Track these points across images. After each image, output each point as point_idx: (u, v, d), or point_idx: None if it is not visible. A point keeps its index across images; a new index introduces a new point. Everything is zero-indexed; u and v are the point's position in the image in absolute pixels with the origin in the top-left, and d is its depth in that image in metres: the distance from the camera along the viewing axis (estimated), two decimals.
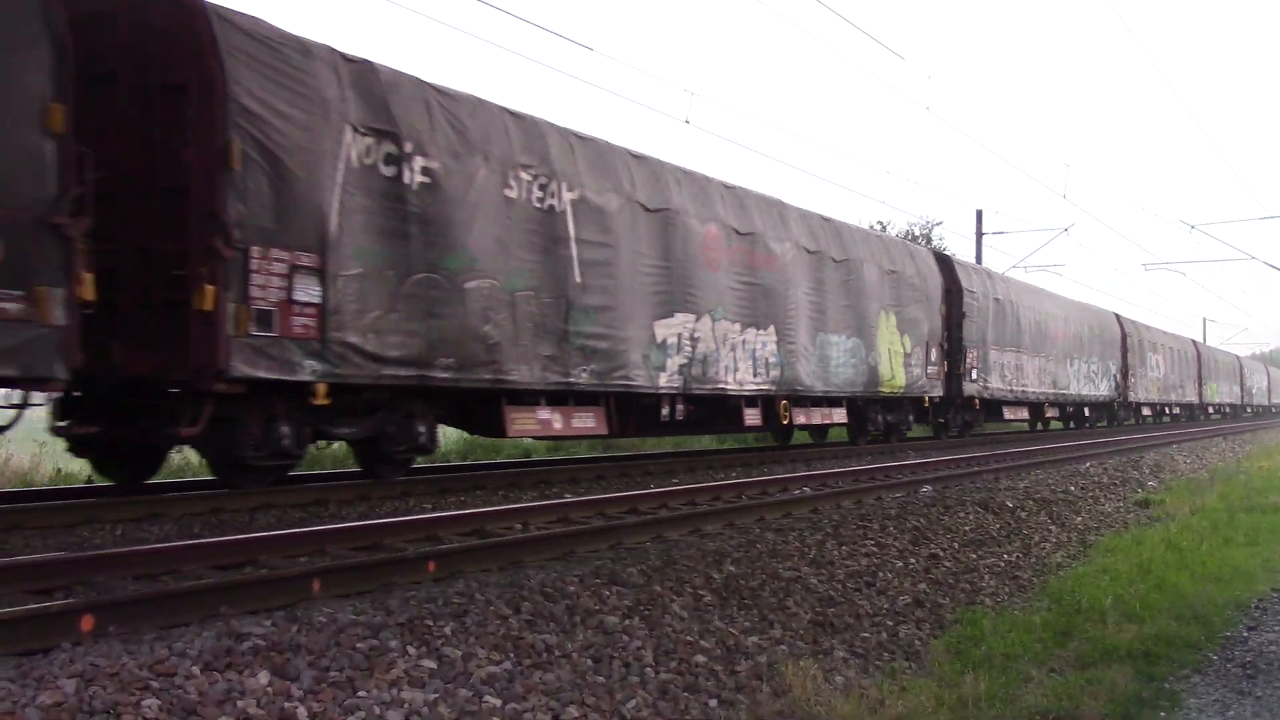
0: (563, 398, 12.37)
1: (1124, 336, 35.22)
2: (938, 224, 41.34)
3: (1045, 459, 18.39)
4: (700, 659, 5.50)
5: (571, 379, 12.11)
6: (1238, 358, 59.90)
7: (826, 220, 18.18)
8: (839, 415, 18.47)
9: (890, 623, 6.89)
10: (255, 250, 8.90)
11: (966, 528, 9.92)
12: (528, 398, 11.91)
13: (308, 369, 9.33)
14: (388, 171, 10.08)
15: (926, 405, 21.68)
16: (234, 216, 8.71)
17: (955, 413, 23.41)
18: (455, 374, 10.69)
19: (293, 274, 9.18)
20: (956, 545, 9.24)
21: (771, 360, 15.95)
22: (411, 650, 4.72)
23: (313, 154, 9.36)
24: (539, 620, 5.39)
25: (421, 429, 11.03)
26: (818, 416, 17.84)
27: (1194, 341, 48.43)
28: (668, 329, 13.69)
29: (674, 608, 6.04)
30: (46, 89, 7.18)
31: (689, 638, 5.70)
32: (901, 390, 20.06)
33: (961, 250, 42.50)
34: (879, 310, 19.16)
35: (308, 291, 9.30)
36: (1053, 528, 11.12)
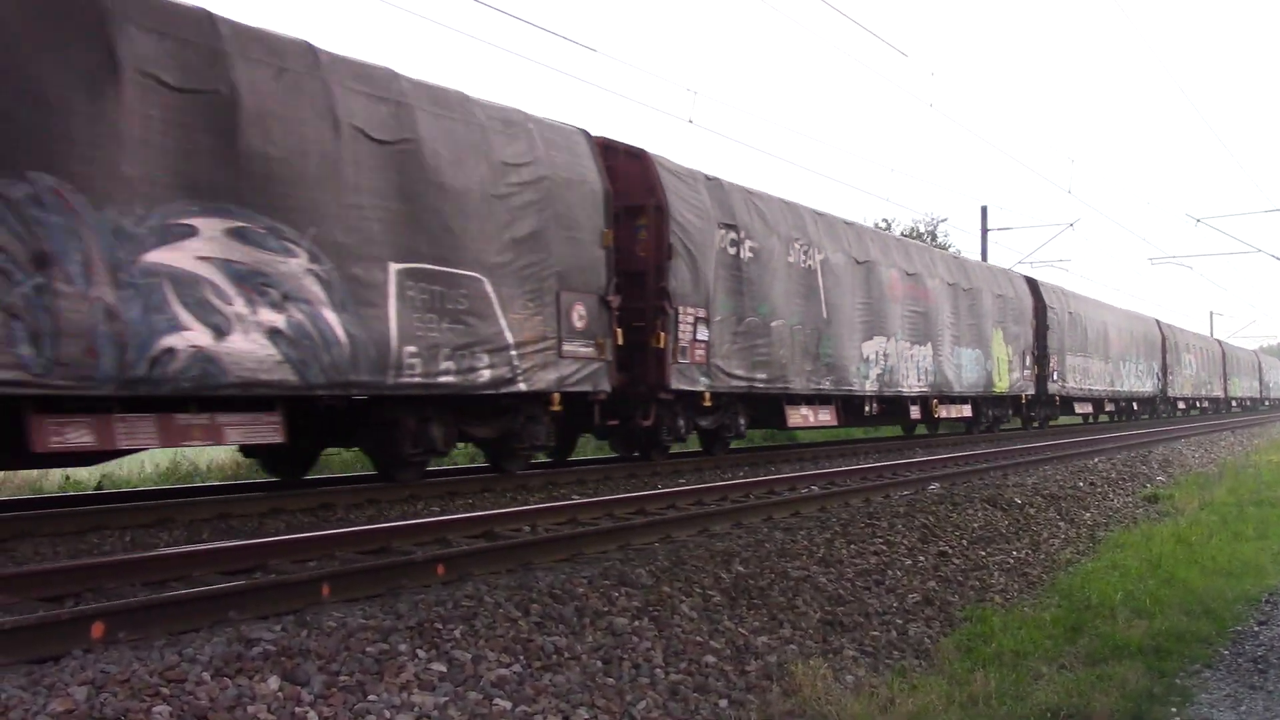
0: (813, 400, 17.38)
1: (1164, 339, 39.72)
2: (943, 220, 41.51)
3: (1053, 455, 18.37)
4: (710, 659, 5.50)
5: (821, 386, 17.21)
6: (1256, 355, 63.91)
7: (958, 259, 24.51)
8: (967, 410, 23.35)
9: (900, 621, 6.89)
10: (680, 309, 13.90)
11: (975, 525, 9.91)
12: (798, 400, 16.95)
13: (702, 383, 14.34)
14: (732, 251, 15.07)
15: (1023, 402, 26.67)
16: (672, 288, 13.72)
17: (1040, 408, 28.49)
18: (766, 384, 15.73)
19: (695, 323, 14.19)
20: (965, 542, 9.23)
21: (929, 369, 20.96)
22: (421, 653, 4.73)
23: (704, 245, 14.41)
24: (548, 622, 5.40)
25: (742, 422, 16.15)
26: (954, 411, 22.72)
27: (1219, 341, 53.11)
28: (869, 349, 18.72)
29: (683, 608, 6.04)
30: (602, 221, 12.67)
31: (698, 638, 5.70)
32: (1007, 390, 25.00)
33: (966, 247, 42.55)
34: (992, 327, 24.09)
35: (701, 333, 14.29)
36: (1061, 524, 11.10)
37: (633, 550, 7.59)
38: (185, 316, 8.27)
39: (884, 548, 8.40)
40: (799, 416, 16.99)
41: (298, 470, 11.78)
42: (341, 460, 14.91)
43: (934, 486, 12.34)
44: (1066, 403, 29.89)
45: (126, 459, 12.24)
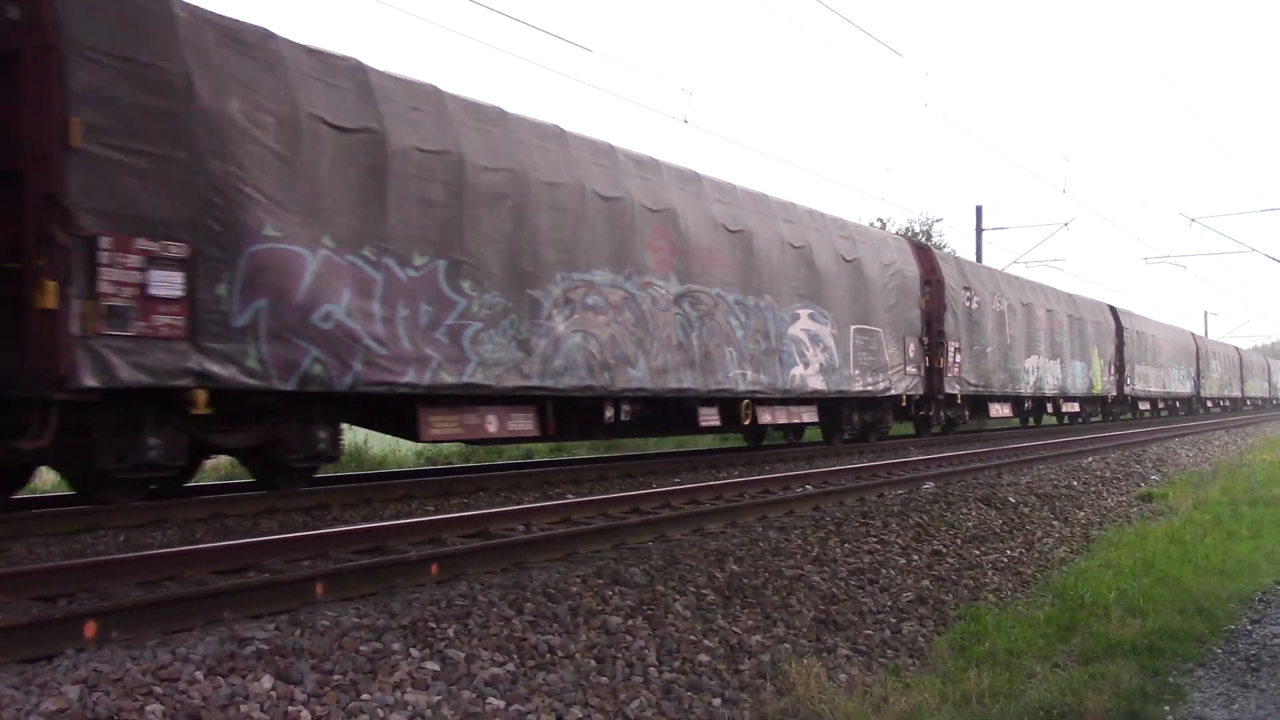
0: (1001, 399, 25.45)
1: (1197, 349, 48.26)
2: (938, 220, 41.54)
3: (1048, 454, 18.39)
4: (704, 658, 5.51)
5: (1006, 390, 25.09)
6: (1266, 360, 71.18)
7: (1072, 297, 31.35)
8: (1075, 407, 31.58)
9: (894, 620, 6.90)
10: (948, 343, 21.59)
11: (969, 524, 9.92)
12: (995, 399, 24.99)
13: (957, 389, 22.09)
14: (968, 305, 22.75)
15: (1109, 401, 35.08)
16: (946, 330, 21.63)
17: (1117, 405, 36.73)
18: (984, 389, 23.50)
19: (954, 351, 21.81)
20: (959, 541, 9.24)
21: (1058, 377, 28.79)
22: (415, 652, 4.73)
23: (956, 302, 22.00)
24: (542, 621, 5.40)
25: (966, 414, 24.12)
26: (1072, 407, 31.26)
27: (1237, 349, 59.44)
28: (1028, 364, 26.53)
29: (677, 607, 6.04)
30: (918, 293, 20.96)
31: (692, 637, 5.70)
32: (1100, 392, 33.14)
33: (961, 246, 42.68)
34: (1092, 346, 32.07)
35: (956, 358, 21.97)
36: (1055, 523, 11.12)
37: (627, 549, 7.59)
38: (799, 358, 16.46)
39: (878, 547, 8.41)
40: (995, 410, 25.47)
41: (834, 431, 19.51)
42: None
43: (928, 486, 12.35)
44: (1134, 402, 38.10)
45: None
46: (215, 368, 8.50)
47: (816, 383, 16.95)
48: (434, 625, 5.03)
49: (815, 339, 17.00)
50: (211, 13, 8.94)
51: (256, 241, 8.80)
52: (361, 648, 4.63)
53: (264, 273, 8.85)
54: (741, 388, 15.06)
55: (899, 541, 8.71)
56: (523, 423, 11.92)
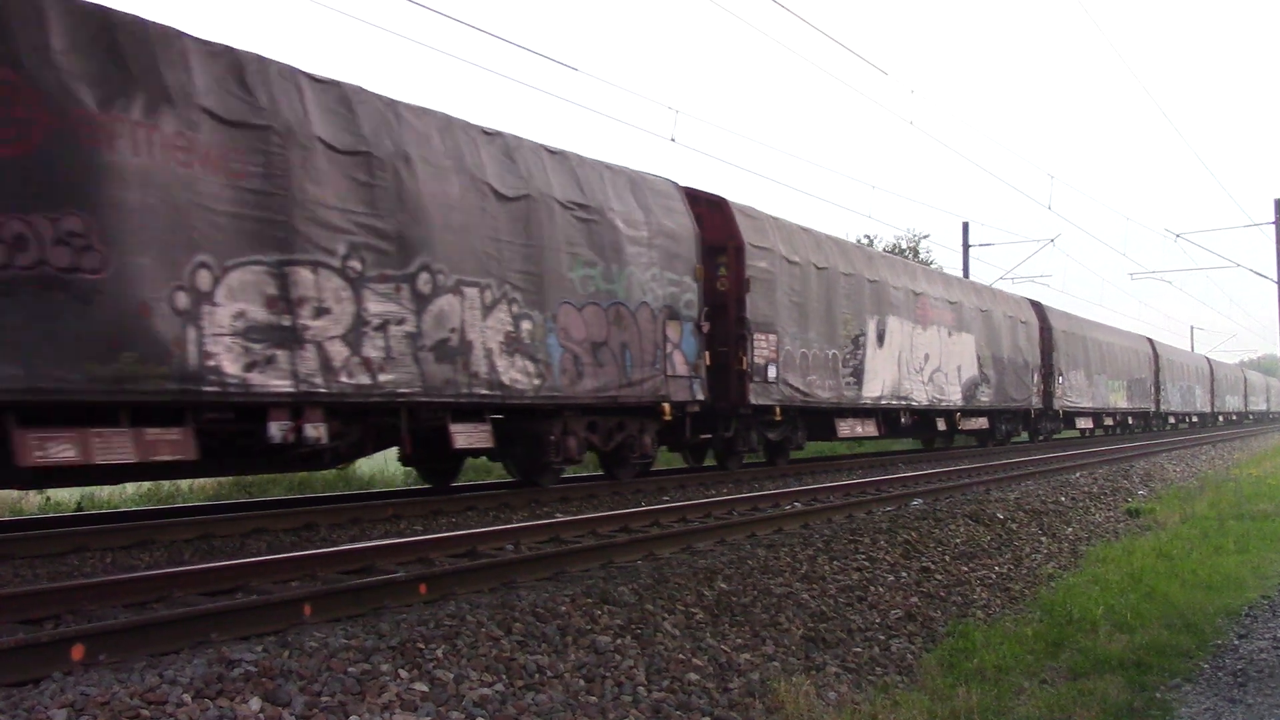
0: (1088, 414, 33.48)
1: (1211, 371, 57.58)
2: (924, 237, 41.46)
3: (1035, 470, 18.44)
4: (693, 677, 5.51)
5: (1085, 404, 32.98)
6: (1243, 373, 74.52)
7: (1126, 333, 39.84)
8: (980, 423, 28.07)
9: (882, 637, 6.90)
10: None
11: (958, 540, 9.94)
12: (1084, 414, 33.92)
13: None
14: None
15: (1150, 415, 42.44)
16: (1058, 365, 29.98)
17: (1156, 419, 44.12)
18: (1089, 405, 33.29)
19: (1061, 376, 31.50)
20: (948, 558, 9.26)
21: (1112, 393, 36.33)
22: (403, 673, 4.72)
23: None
24: (531, 641, 5.39)
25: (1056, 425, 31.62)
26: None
27: (1208, 359, 61.19)
28: (1099, 383, 34.26)
29: (666, 626, 6.04)
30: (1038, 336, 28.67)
31: (681, 656, 5.70)
32: (1143, 409, 40.13)
33: (948, 262, 42.84)
34: (1136, 370, 39.92)
35: (1066, 382, 31.84)
36: (1044, 538, 11.14)
37: (616, 568, 7.58)
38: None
39: (866, 564, 8.42)
40: (1080, 423, 34.27)
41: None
42: (324, 480, 14.88)
43: (917, 502, 12.37)
44: (1165, 417, 44.50)
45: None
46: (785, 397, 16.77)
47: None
48: (422, 646, 5.02)
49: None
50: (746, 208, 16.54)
51: (785, 337, 16.70)
52: (350, 669, 4.62)
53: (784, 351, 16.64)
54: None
55: (888, 558, 8.72)
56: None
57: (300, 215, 9.34)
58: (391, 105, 10.71)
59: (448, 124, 11.34)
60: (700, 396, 14.67)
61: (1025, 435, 30.69)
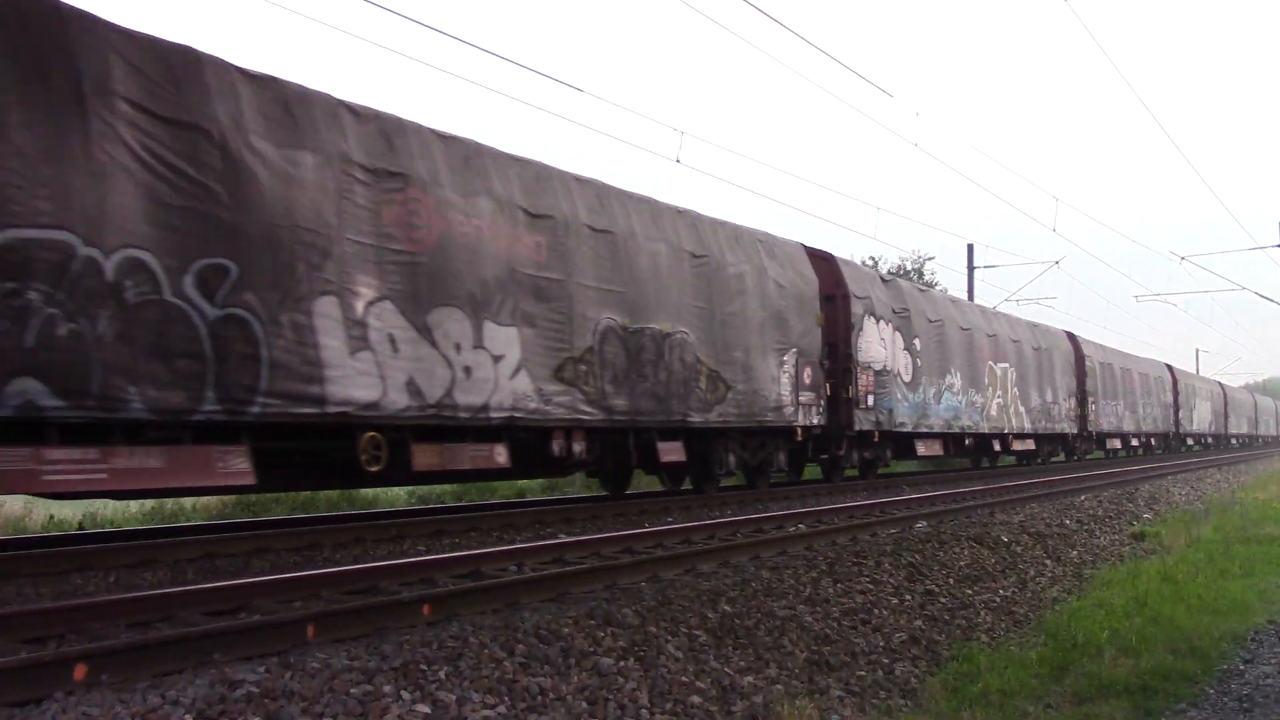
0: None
1: (1225, 396, 60.71)
2: (929, 259, 41.57)
3: (1040, 492, 18.40)
4: (696, 699, 5.49)
5: (1114, 427, 35.82)
6: (1253, 396, 77.85)
7: (1149, 360, 41.04)
8: (1029, 445, 29.98)
9: (886, 660, 6.88)
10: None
11: (962, 563, 9.91)
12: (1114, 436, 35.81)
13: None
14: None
15: (1169, 437, 44.55)
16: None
17: (1176, 440, 46.26)
18: (1118, 428, 36.76)
19: (1094, 401, 34.18)
20: (952, 581, 9.23)
21: (1138, 417, 38.64)
22: (405, 695, 4.71)
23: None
24: (533, 663, 5.38)
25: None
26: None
27: (1220, 384, 64.07)
28: (1127, 408, 36.77)
29: (669, 648, 6.02)
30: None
31: (684, 678, 5.68)
32: (1162, 431, 42.34)
33: (953, 284, 42.93)
34: (1158, 395, 42.16)
35: (1098, 407, 34.56)
36: (1048, 562, 11.10)
37: (619, 590, 7.57)
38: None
39: (870, 586, 8.39)
40: (1110, 444, 36.25)
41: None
42: (328, 500, 14.85)
43: (921, 525, 12.34)
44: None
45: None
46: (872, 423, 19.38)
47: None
48: (425, 667, 5.01)
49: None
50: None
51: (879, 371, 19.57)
52: (352, 690, 4.61)
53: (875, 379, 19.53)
54: None
55: (891, 581, 8.70)
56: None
57: (575, 284, 12.41)
58: (623, 195, 13.90)
59: (656, 207, 14.57)
60: (821, 422, 17.77)
61: (1062, 456, 33.47)
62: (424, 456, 10.48)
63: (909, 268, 39.97)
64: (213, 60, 8.87)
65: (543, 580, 7.46)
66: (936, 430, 22.37)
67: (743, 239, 16.26)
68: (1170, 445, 46.22)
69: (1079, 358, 32.87)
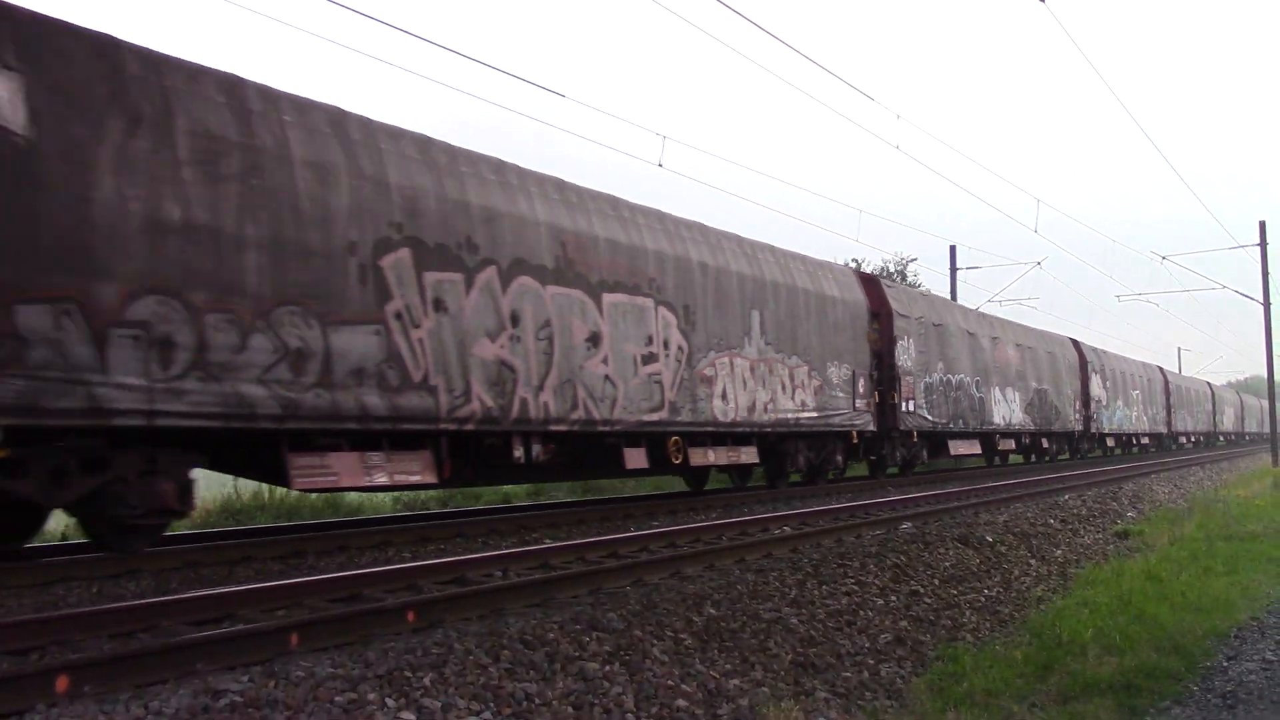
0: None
1: (1214, 396, 62.10)
2: (912, 260, 41.63)
3: (1025, 492, 18.46)
4: (681, 703, 5.49)
5: (1114, 427, 37.59)
6: (1239, 395, 79.22)
7: (1144, 363, 42.42)
8: (1140, 438, 40.72)
9: (872, 661, 6.89)
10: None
11: (947, 564, 9.94)
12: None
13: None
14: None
15: (1163, 436, 46.33)
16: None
17: (1169, 438, 47.93)
18: (1118, 428, 39.49)
19: (1095, 403, 36.24)
20: (937, 581, 9.25)
21: (1136, 417, 39.73)
22: (390, 702, 4.70)
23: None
24: (519, 668, 5.37)
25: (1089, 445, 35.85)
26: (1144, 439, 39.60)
27: (1208, 384, 65.95)
28: (1125, 408, 38.06)
29: (654, 652, 6.02)
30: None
31: (670, 682, 5.68)
32: (1156, 430, 44.03)
33: (936, 286, 43.14)
34: (1153, 396, 43.90)
35: (1100, 408, 36.95)
36: (1033, 561, 11.14)
37: (604, 594, 7.57)
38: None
39: (856, 588, 8.41)
40: (1110, 442, 38.52)
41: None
42: (312, 506, 14.80)
43: (906, 526, 12.37)
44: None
45: None
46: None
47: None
48: (410, 674, 5.00)
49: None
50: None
51: (918, 378, 21.87)
52: (336, 698, 4.60)
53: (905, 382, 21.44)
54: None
55: (877, 582, 8.71)
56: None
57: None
58: (789, 256, 18.18)
59: (805, 259, 18.83)
60: (873, 426, 20.28)
61: (1067, 454, 35.69)
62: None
63: (892, 269, 40.02)
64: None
65: (528, 585, 7.45)
66: (970, 430, 25.13)
67: (813, 268, 18.95)
68: (1163, 444, 47.91)
69: (1083, 362, 35.13)
